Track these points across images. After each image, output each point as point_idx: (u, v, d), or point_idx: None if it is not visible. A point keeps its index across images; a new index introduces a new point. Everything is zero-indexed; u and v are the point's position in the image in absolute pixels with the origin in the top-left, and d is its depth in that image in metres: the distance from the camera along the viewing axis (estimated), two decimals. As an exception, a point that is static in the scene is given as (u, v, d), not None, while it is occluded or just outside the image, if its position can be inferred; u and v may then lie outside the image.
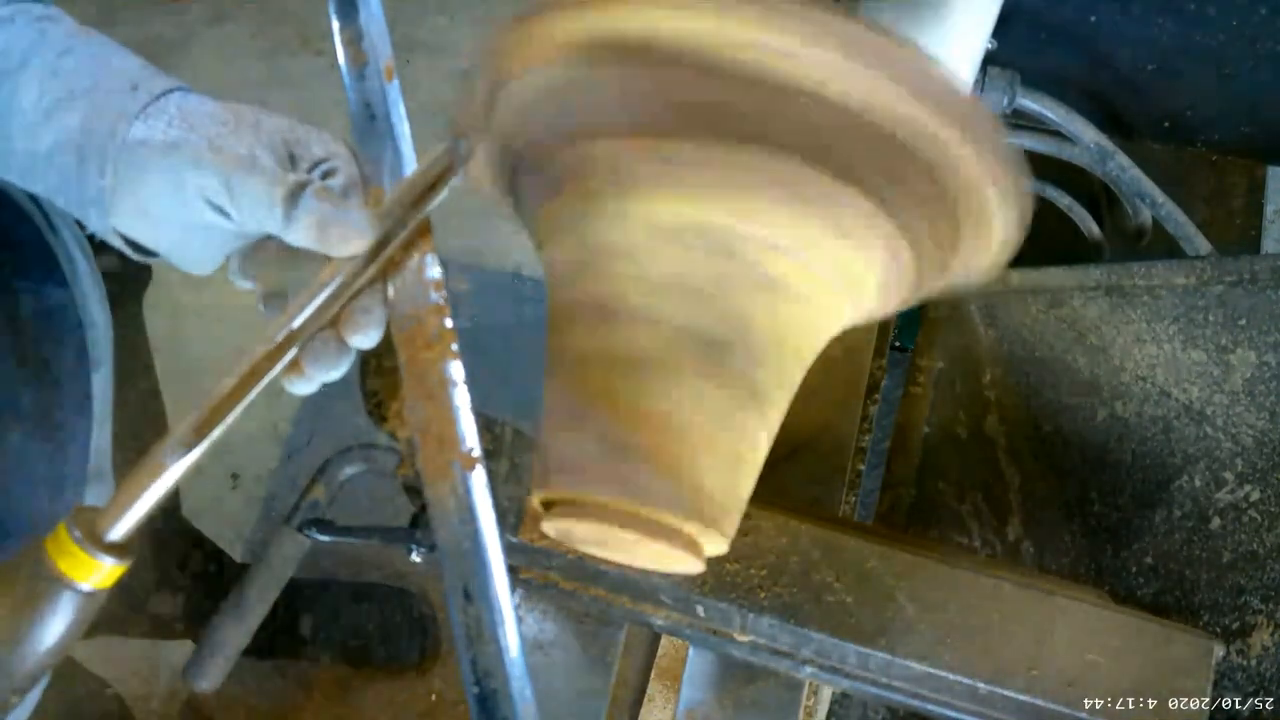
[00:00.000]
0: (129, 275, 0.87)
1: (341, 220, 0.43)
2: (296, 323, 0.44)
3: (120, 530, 0.42)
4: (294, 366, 0.45)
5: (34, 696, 0.69)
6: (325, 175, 0.46)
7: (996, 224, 0.45)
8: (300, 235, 0.44)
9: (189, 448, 0.42)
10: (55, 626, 0.41)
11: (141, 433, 0.86)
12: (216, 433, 0.43)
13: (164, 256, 0.50)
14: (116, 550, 0.42)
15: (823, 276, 0.44)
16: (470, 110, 0.46)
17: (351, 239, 0.43)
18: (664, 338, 0.43)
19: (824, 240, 0.43)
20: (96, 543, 0.41)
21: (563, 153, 0.44)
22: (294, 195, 0.43)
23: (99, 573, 0.42)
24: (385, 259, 0.45)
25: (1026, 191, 0.43)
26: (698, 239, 0.42)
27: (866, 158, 0.41)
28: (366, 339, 0.45)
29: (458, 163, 0.45)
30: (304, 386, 0.46)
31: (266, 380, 0.44)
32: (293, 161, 0.46)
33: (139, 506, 0.42)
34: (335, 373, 0.46)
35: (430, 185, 0.45)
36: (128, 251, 0.49)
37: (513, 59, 0.42)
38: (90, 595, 0.42)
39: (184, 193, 0.45)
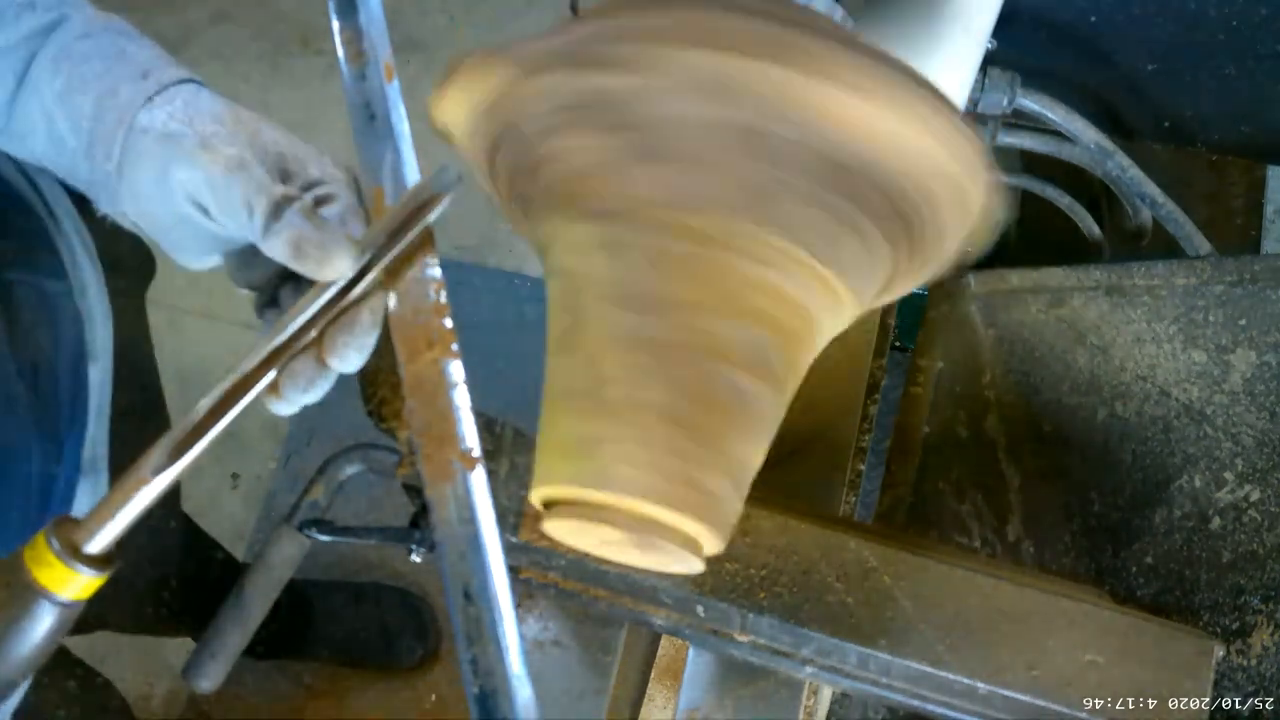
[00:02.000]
0: (132, 269, 0.87)
1: (319, 243, 0.43)
2: (276, 343, 0.44)
3: (99, 543, 0.42)
4: (272, 388, 0.45)
5: (9, 706, 0.69)
6: (322, 200, 0.46)
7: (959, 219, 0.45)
8: (276, 249, 0.43)
9: (169, 464, 0.42)
10: (31, 636, 0.41)
11: (143, 427, 0.85)
12: (197, 450, 0.43)
13: (158, 242, 0.50)
14: (95, 562, 0.42)
15: (829, 288, 0.45)
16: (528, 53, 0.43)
17: (327, 264, 0.43)
18: (678, 339, 0.43)
19: (847, 260, 0.44)
20: (75, 554, 0.41)
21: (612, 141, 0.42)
22: (278, 208, 0.43)
23: (76, 584, 0.41)
24: (367, 287, 0.45)
25: (996, 184, 0.44)
26: (791, 278, 0.43)
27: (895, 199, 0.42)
28: (346, 363, 0.45)
29: (444, 190, 0.45)
30: (283, 408, 0.46)
31: (248, 399, 0.44)
32: (286, 177, 0.46)
33: (119, 520, 0.42)
34: (314, 395, 0.46)
35: (414, 213, 0.45)
36: (142, 233, 0.50)
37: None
38: (67, 606, 0.42)
39: (168, 184, 0.45)
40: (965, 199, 0.44)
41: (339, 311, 0.45)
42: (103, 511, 0.42)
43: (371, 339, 0.45)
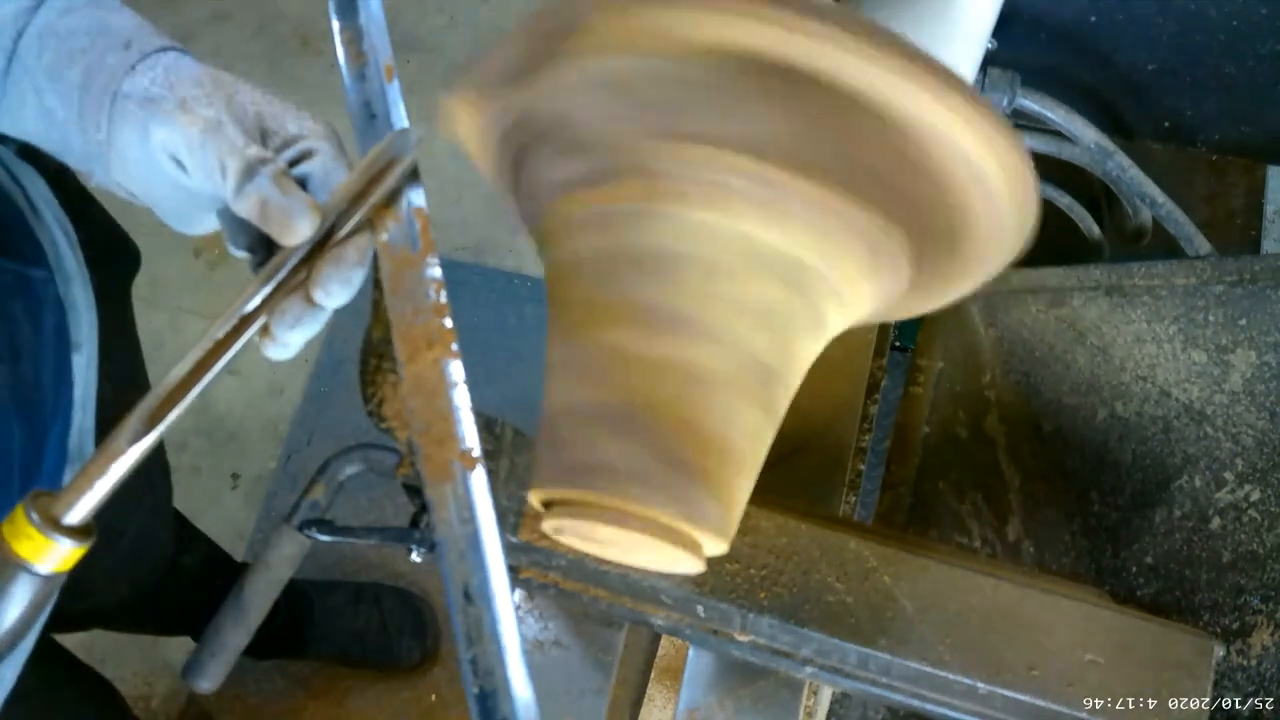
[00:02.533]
0: (115, 262, 0.87)
1: (283, 207, 0.43)
2: (245, 310, 0.44)
3: (78, 513, 0.42)
4: (263, 330, 0.45)
5: (7, 680, 0.69)
6: (303, 155, 0.47)
7: (998, 239, 0.45)
8: (244, 210, 0.44)
9: (145, 432, 0.42)
10: (12, 609, 0.41)
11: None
12: (172, 417, 0.43)
13: (153, 209, 0.50)
14: (74, 533, 0.42)
15: (851, 309, 0.46)
16: (496, 68, 0.44)
17: (289, 228, 0.44)
18: (714, 357, 0.43)
19: (863, 282, 0.45)
20: (53, 525, 0.41)
21: (641, 146, 0.42)
22: (251, 169, 0.44)
23: (56, 554, 0.41)
24: (354, 226, 0.45)
25: (1036, 197, 0.43)
26: (781, 271, 0.43)
27: (910, 194, 0.42)
28: (333, 298, 0.45)
29: (404, 152, 0.45)
30: (276, 350, 0.46)
31: (220, 366, 0.44)
32: (265, 136, 0.47)
33: (97, 489, 0.42)
34: (303, 332, 0.46)
35: (376, 175, 0.45)
36: (135, 201, 0.51)
37: (607, 35, 0.39)
38: (47, 578, 0.42)
39: (149, 146, 0.46)
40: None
41: (328, 248, 0.45)
42: (80, 482, 0.42)
43: (358, 275, 0.45)
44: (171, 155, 0.46)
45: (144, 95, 0.46)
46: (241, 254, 0.50)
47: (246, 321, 0.44)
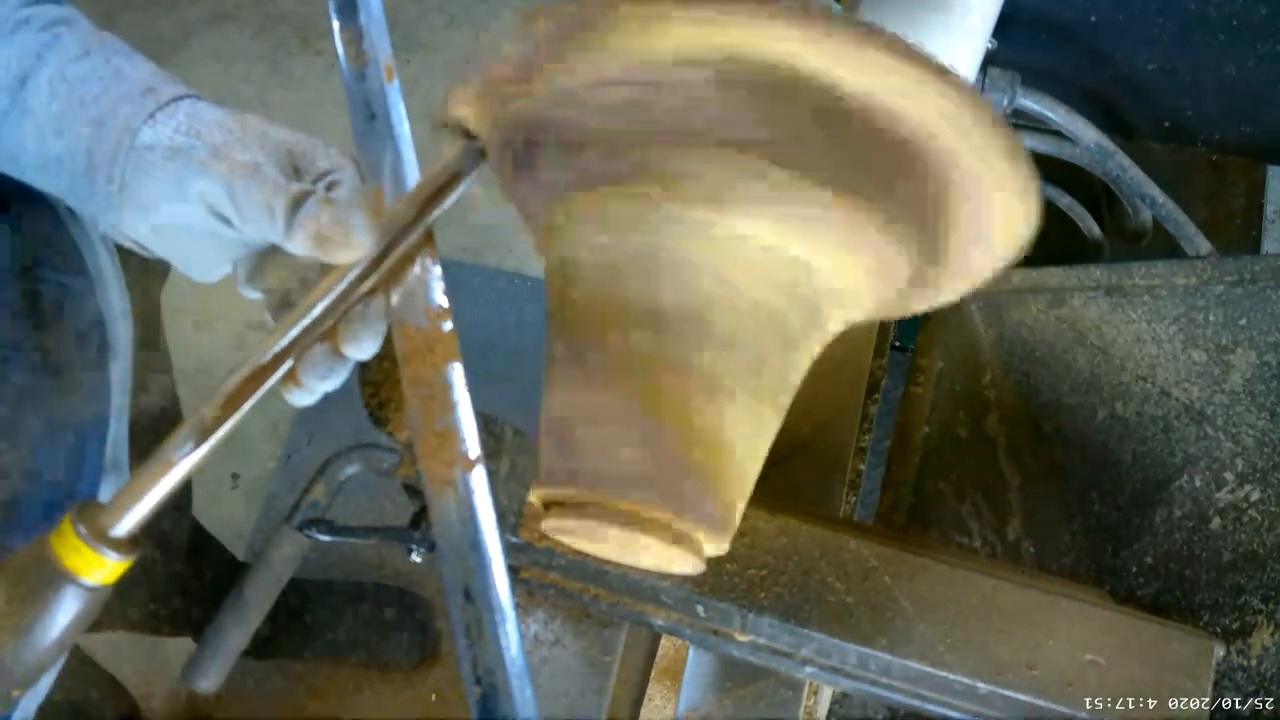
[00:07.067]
0: (149, 267, 0.87)
1: (342, 228, 0.43)
2: (299, 329, 0.44)
3: (125, 526, 0.42)
4: (291, 378, 0.45)
5: (44, 686, 0.69)
6: (329, 187, 0.47)
7: (998, 227, 0.45)
8: (300, 243, 0.44)
9: (195, 446, 0.42)
10: (59, 621, 0.41)
11: (158, 425, 0.86)
12: (222, 432, 0.43)
13: (169, 261, 0.50)
14: (121, 546, 0.42)
15: (852, 309, 0.46)
16: (500, 69, 0.44)
17: (351, 246, 0.43)
18: (717, 358, 0.43)
19: (864, 281, 0.44)
20: (101, 538, 0.41)
21: (642, 150, 0.41)
22: (296, 204, 0.44)
23: (103, 568, 0.42)
24: (386, 269, 0.45)
25: (1035, 188, 0.43)
26: (784, 272, 0.43)
27: (901, 185, 0.41)
28: (361, 350, 0.46)
29: (467, 170, 0.45)
30: (303, 397, 0.46)
31: (269, 383, 0.44)
32: (297, 173, 0.47)
33: (144, 503, 0.42)
34: (332, 382, 0.46)
35: (436, 193, 0.45)
36: (143, 251, 0.50)
37: (618, 38, 0.38)
38: (94, 590, 0.42)
39: (186, 198, 0.45)
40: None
41: (352, 302, 0.45)
42: (128, 495, 0.42)
43: (384, 326, 0.46)
44: (212, 207, 0.45)
45: (169, 145, 0.45)
46: (255, 295, 0.50)
47: (299, 341, 0.44)
